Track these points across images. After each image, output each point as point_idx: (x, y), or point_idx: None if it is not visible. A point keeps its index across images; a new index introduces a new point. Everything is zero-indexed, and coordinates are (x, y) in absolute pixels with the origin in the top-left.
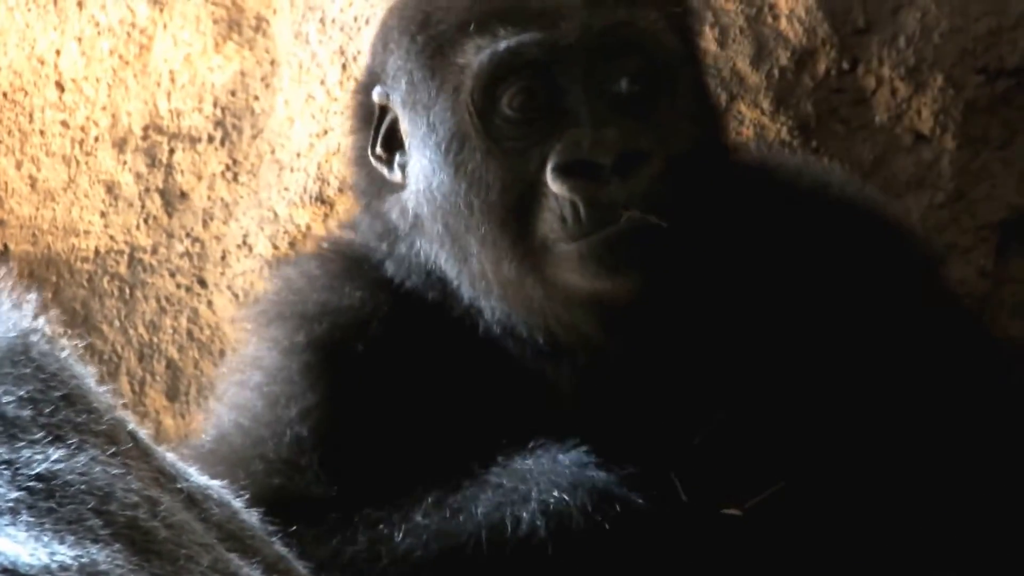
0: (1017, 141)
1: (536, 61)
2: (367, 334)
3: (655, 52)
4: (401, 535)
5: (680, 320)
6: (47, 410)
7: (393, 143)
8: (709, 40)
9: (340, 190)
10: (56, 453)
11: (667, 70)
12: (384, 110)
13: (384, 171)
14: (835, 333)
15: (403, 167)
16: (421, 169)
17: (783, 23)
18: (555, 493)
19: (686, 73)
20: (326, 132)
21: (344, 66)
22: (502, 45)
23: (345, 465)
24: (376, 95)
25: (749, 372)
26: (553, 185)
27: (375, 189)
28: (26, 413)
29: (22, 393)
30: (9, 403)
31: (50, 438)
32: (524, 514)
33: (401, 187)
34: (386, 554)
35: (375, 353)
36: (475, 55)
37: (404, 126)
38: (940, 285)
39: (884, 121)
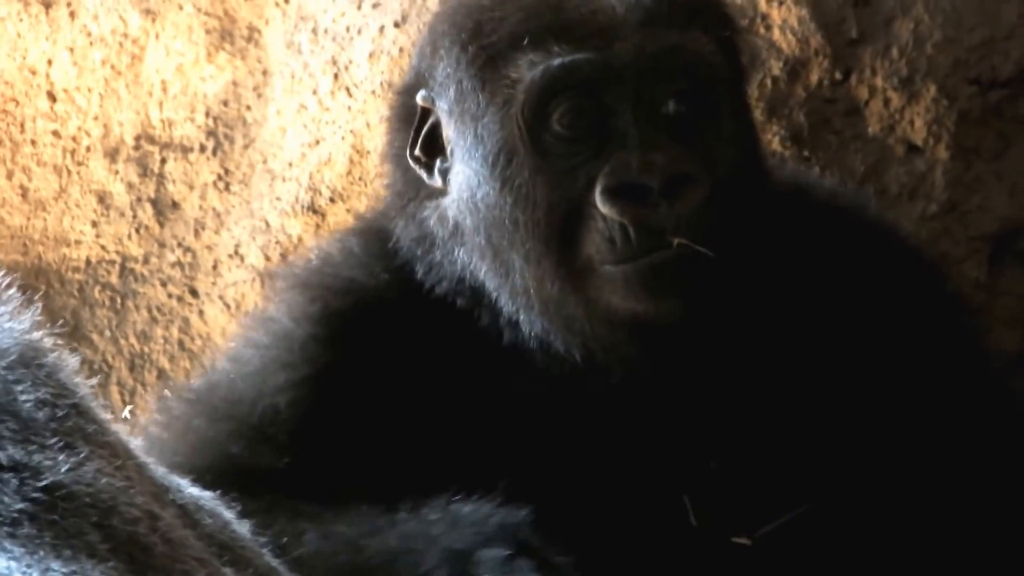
0: (1010, 152)
1: (588, 80)
2: (385, 319)
3: (705, 76)
4: (318, 537)
5: (715, 344)
6: (60, 415)
7: (433, 148)
8: None
9: (332, 200)
10: (67, 462)
11: (715, 94)
12: (427, 113)
13: (423, 175)
14: (860, 364)
15: (444, 174)
16: (465, 179)
17: (776, 33)
18: (460, 545)
19: (733, 97)
20: (318, 142)
21: (336, 76)
22: (556, 62)
23: (312, 448)
24: (420, 98)
25: (775, 398)
26: (602, 206)
27: (413, 191)
28: (41, 416)
29: (38, 395)
30: (26, 403)
31: (61, 444)
32: (428, 558)
33: (442, 193)
34: (294, 548)
35: (387, 342)
36: (528, 70)
37: (449, 133)
38: (967, 330)
39: (877, 131)
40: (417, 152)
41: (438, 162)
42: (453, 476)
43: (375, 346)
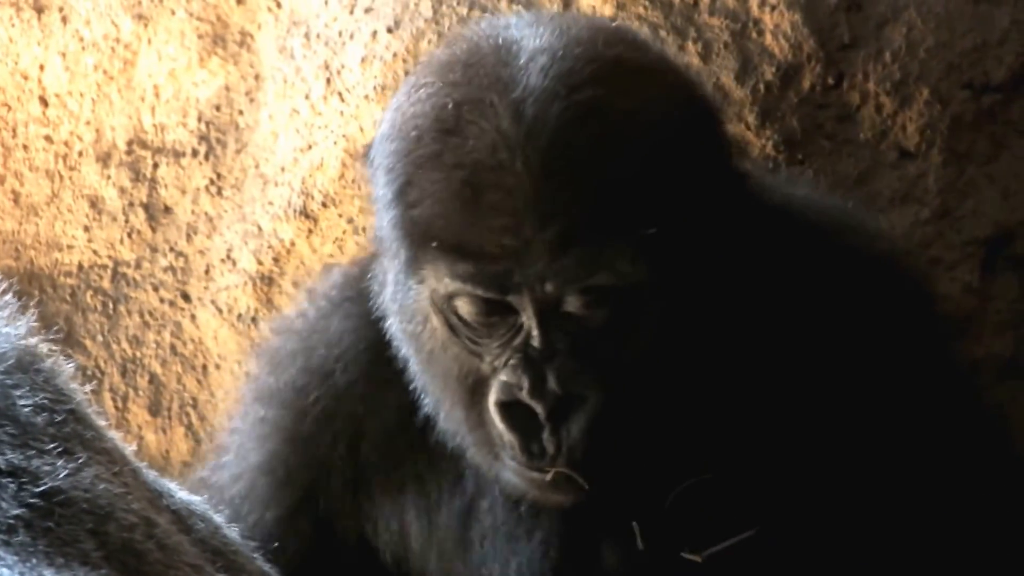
0: (1003, 157)
1: (490, 296)
2: (330, 392)
3: (615, 289)
4: None
5: (660, 432)
6: (58, 420)
7: None
8: (692, 55)
9: (324, 204)
10: (65, 467)
11: (627, 301)
12: None
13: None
14: (831, 399)
15: None
16: (394, 286)
17: (768, 38)
18: None
19: (655, 294)
20: (310, 146)
21: (328, 80)
22: (457, 285)
23: (264, 541)
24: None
25: (734, 433)
26: (494, 415)
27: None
28: (39, 420)
29: (37, 400)
30: (25, 408)
31: (60, 449)
32: None
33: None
34: None
35: (331, 417)
36: (433, 274)
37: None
38: (948, 359)
39: (869, 136)
40: None
41: None
42: None
43: (321, 419)
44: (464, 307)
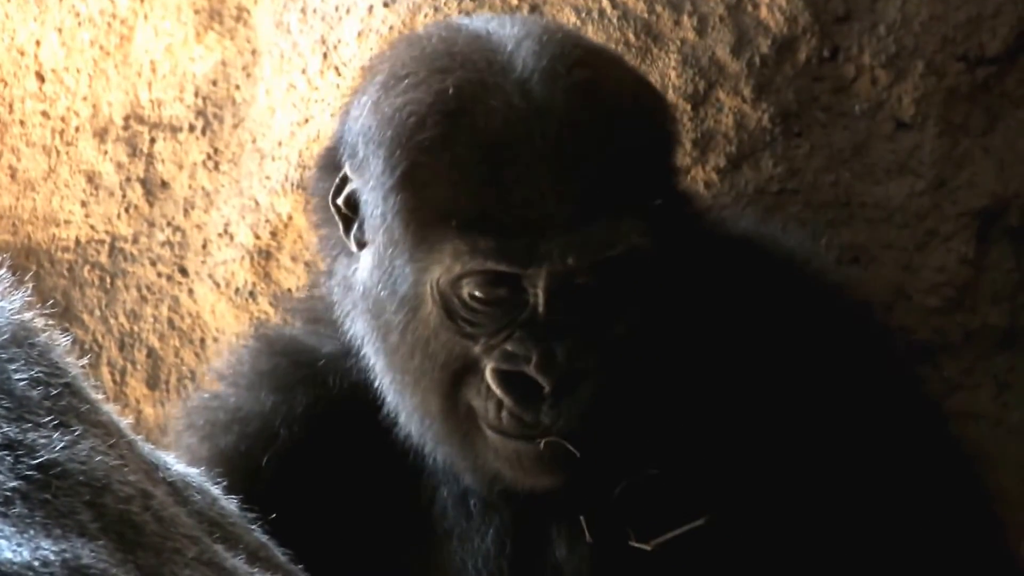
0: (998, 128)
1: (505, 276)
2: (275, 448)
3: (626, 262)
4: None
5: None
6: (53, 393)
7: (352, 207)
8: (687, 28)
9: None
10: (61, 440)
11: (633, 275)
12: (347, 179)
13: (340, 227)
14: (777, 400)
15: (358, 243)
16: (372, 282)
17: (764, 11)
18: None
19: (656, 263)
20: (307, 121)
21: (325, 55)
22: (476, 264)
23: None
24: (345, 165)
25: (691, 425)
26: (491, 381)
27: (336, 249)
28: (35, 394)
29: (32, 374)
30: (20, 382)
31: (56, 422)
32: None
33: (355, 259)
34: None
35: (280, 470)
36: (449, 256)
37: (366, 224)
38: (891, 371)
39: (865, 109)
40: (340, 201)
41: (355, 226)
42: None
43: (268, 474)
44: (471, 287)
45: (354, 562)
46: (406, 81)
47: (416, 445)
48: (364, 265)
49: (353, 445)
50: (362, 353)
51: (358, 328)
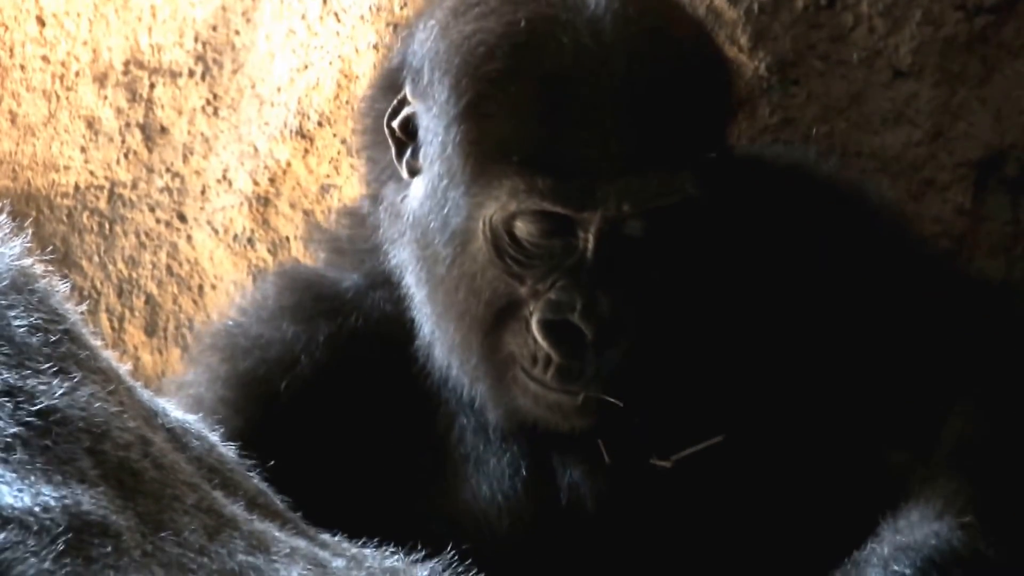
0: (995, 78)
1: (561, 219)
2: (294, 374)
3: (678, 215)
4: None
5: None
6: (53, 340)
7: (408, 132)
8: None
9: (320, 124)
10: (60, 386)
11: (682, 227)
12: (406, 101)
13: (393, 151)
14: (801, 308)
15: (411, 171)
16: (423, 211)
17: None
18: None
19: (704, 224)
20: (306, 67)
21: (324, 1)
22: (533, 204)
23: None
24: (407, 89)
25: (711, 348)
26: (536, 331)
27: (386, 174)
28: (34, 341)
29: (31, 320)
30: (20, 328)
31: (55, 369)
32: None
33: (405, 186)
34: None
35: (298, 396)
36: (506, 192)
37: (424, 148)
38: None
39: (862, 58)
40: (395, 124)
41: (408, 152)
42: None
43: (285, 400)
44: (524, 226)
45: (367, 485)
46: (476, 9)
47: (442, 377)
48: (415, 193)
49: (372, 375)
50: (403, 282)
51: (403, 256)
